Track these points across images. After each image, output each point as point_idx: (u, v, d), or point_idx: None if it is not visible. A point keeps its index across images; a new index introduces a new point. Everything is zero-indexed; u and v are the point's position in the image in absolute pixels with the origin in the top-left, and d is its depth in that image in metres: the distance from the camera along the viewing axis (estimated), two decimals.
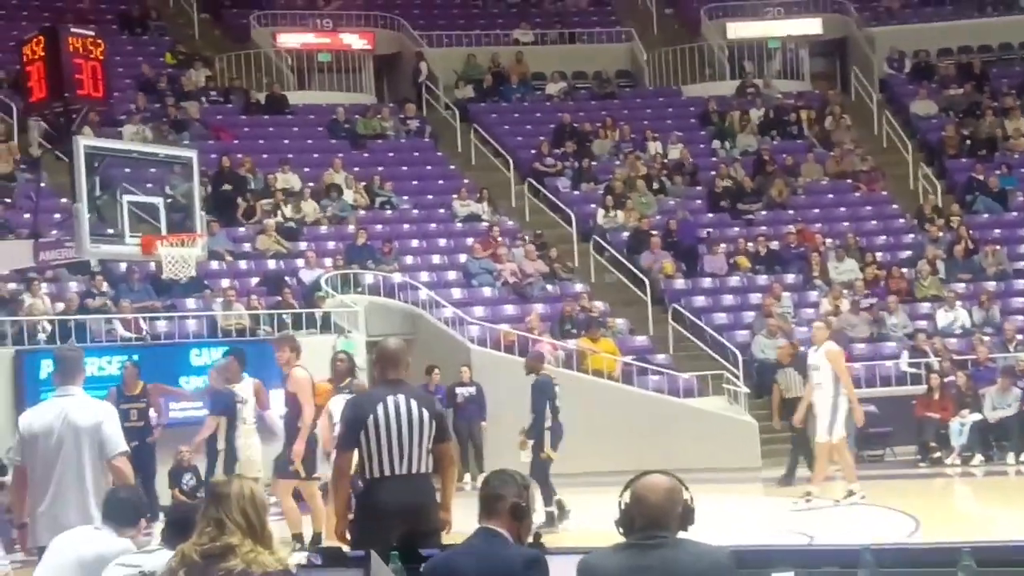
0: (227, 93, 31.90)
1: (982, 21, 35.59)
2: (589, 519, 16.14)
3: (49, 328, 21.94)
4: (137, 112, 28.72)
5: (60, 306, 22.69)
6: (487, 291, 26.71)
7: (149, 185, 15.99)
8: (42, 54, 14.37)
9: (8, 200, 24.73)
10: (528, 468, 15.82)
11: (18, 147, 26.52)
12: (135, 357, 20.48)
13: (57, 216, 22.54)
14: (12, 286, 22.82)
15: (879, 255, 28.38)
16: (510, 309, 26.16)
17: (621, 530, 5.73)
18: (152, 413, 19.38)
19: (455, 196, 29.22)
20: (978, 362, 24.71)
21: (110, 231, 14.82)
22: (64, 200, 22.31)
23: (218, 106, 31.36)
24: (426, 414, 8.85)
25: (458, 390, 23.08)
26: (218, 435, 16.04)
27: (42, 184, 24.64)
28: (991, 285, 27.29)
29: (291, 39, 33.51)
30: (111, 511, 7.59)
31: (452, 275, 27.09)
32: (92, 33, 14.67)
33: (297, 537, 15.00)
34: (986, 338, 25.33)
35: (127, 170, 15.73)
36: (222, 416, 16.07)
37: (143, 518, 7.71)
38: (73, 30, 14.76)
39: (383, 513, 8.68)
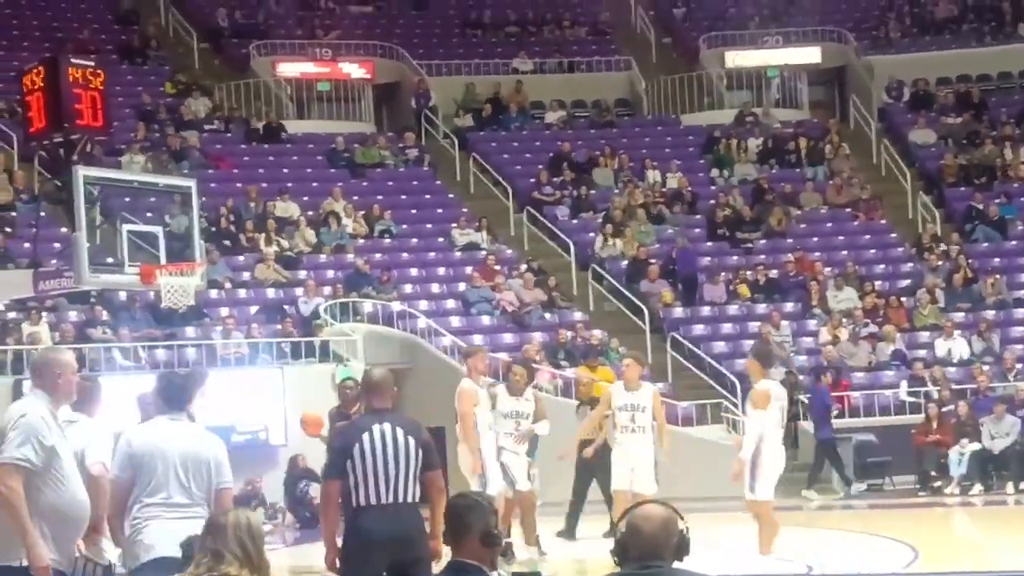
0: (227, 122, 31.96)
1: (980, 50, 35.68)
2: (591, 548, 16.15)
3: None
4: (137, 141, 28.77)
5: (59, 335, 22.70)
6: (486, 320, 26.72)
7: (149, 214, 16.07)
8: (42, 84, 14.44)
9: (8, 229, 24.76)
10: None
11: (18, 177, 26.55)
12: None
13: (57, 245, 22.57)
14: (12, 315, 22.84)
15: (878, 284, 28.39)
16: (509, 338, 26.15)
17: (616, 560, 5.73)
18: None
19: (454, 225, 29.26)
20: (977, 391, 24.70)
21: (110, 260, 14.87)
22: (64, 230, 22.36)
23: (218, 135, 31.42)
24: (412, 442, 8.85)
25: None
26: None
27: (42, 213, 24.71)
28: (990, 314, 27.30)
29: (290, 68, 33.58)
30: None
31: (451, 304, 27.10)
32: (92, 63, 14.75)
33: None
34: (985, 367, 25.32)
35: (127, 199, 15.82)
36: None
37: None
38: (73, 60, 14.84)
39: (371, 543, 8.68)
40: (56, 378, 7.97)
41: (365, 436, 8.82)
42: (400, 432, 8.85)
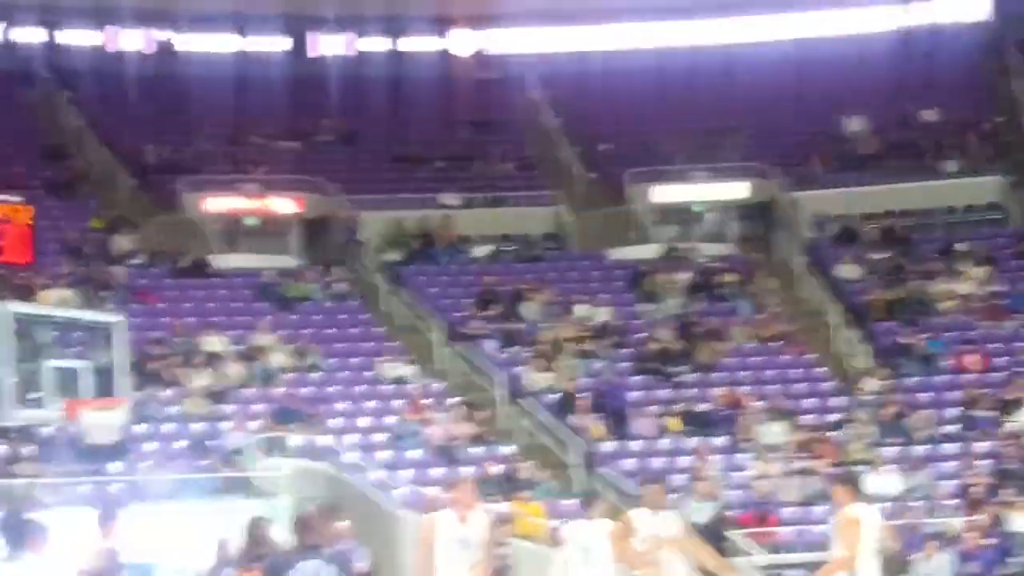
0: (153, 257, 31.79)
1: (903, 186, 36.16)
2: None
3: None
4: (63, 276, 28.51)
5: None
6: (415, 454, 26.49)
7: (73, 350, 15.87)
8: None
9: None
10: None
11: None
12: None
13: None
14: None
15: (808, 418, 28.43)
16: (438, 472, 25.92)
17: None
18: None
19: (382, 359, 29.13)
20: (909, 527, 24.64)
21: (33, 396, 14.68)
22: None
23: (144, 271, 31.23)
24: None
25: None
26: None
27: None
28: (920, 449, 27.38)
29: (219, 203, 33.55)
30: None
31: (379, 437, 26.87)
32: (19, 199, 14.66)
33: None
34: (916, 503, 25.29)
35: (52, 335, 15.63)
36: None
37: None
38: (0, 196, 14.75)
39: None
40: None
41: (291, 573, 8.79)
42: (330, 569, 8.83)
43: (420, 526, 13.62)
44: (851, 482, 13.86)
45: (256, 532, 14.26)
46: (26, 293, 24.66)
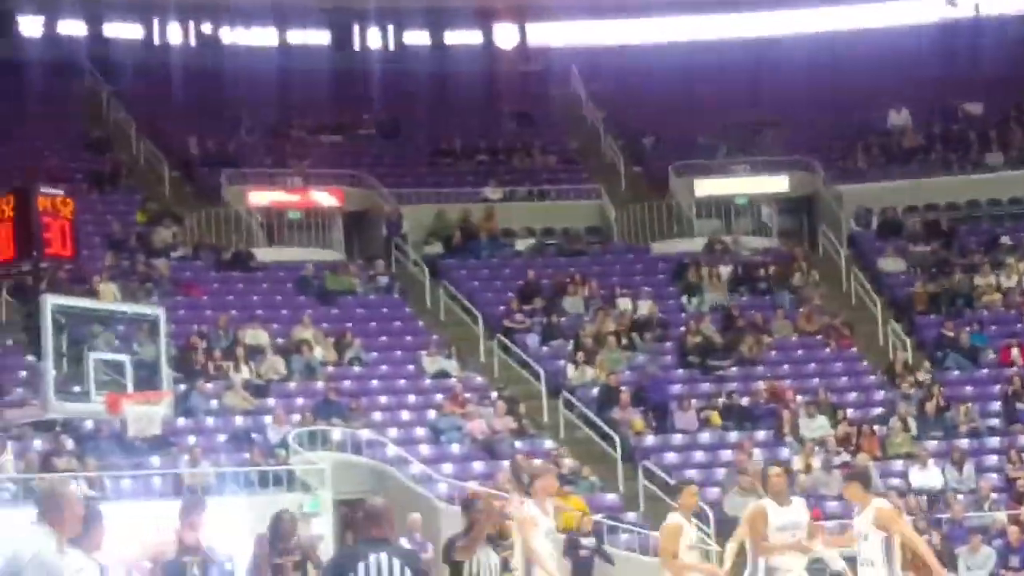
0: (196, 250, 31.91)
1: (948, 179, 36.00)
2: None
3: (13, 487, 21.67)
4: (106, 270, 28.65)
5: (24, 464, 22.42)
6: (456, 448, 26.51)
7: (116, 343, 15.95)
8: (11, 214, 14.40)
9: None
10: None
11: None
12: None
13: (23, 374, 22.43)
14: None
15: (850, 412, 28.32)
16: (479, 466, 25.94)
17: None
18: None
19: (424, 352, 29.15)
20: (952, 521, 24.53)
21: (76, 389, 14.77)
22: (30, 358, 22.22)
23: (187, 263, 31.35)
24: (408, 573, 8.76)
25: (583, 541, 22.72)
26: None
27: (8, 342, 24.55)
28: (964, 443, 27.23)
29: (261, 197, 33.65)
30: None
31: (420, 432, 26.91)
32: (62, 192, 14.73)
33: None
34: (960, 496, 25.17)
35: (94, 328, 15.71)
36: None
37: None
38: (43, 190, 14.82)
39: None
40: (62, 512, 7.79)
41: (360, 565, 8.74)
42: (396, 563, 8.76)
43: (521, 519, 13.27)
44: (862, 478, 13.51)
45: (282, 525, 14.28)
46: (69, 286, 24.81)
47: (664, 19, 41.87)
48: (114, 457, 23.33)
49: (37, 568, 7.47)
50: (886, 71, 38.79)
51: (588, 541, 22.83)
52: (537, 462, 24.60)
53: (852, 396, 29.61)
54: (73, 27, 39.43)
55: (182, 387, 24.69)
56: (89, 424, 23.48)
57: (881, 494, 14.40)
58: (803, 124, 38.49)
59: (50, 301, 14.53)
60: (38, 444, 23.39)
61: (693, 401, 28.26)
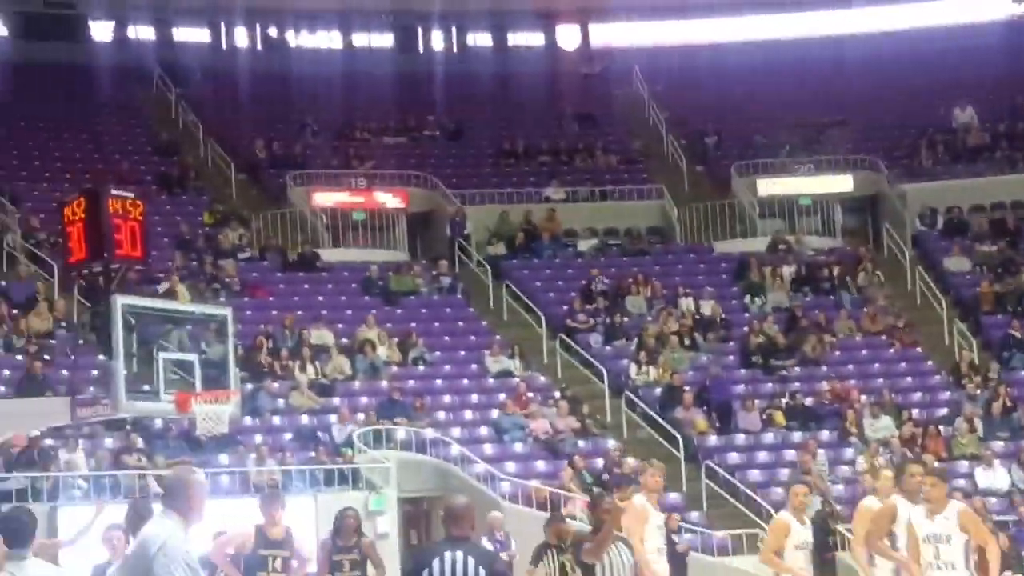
0: (263, 251, 32.23)
1: (1014, 177, 35.76)
2: None
3: (85, 485, 22.02)
4: (174, 270, 29.01)
5: (95, 462, 22.78)
6: (519, 447, 26.65)
7: (185, 342, 16.17)
8: (83, 215, 14.66)
9: (47, 357, 24.95)
10: None
11: (58, 305, 26.78)
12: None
13: (94, 373, 22.77)
14: (49, 442, 22.93)
15: (915, 412, 28.22)
16: (542, 465, 26.07)
17: None
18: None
19: (487, 352, 29.31)
20: (1019, 522, 24.41)
21: (146, 388, 14.98)
22: (101, 357, 22.56)
23: (254, 264, 31.67)
24: (483, 573, 8.90)
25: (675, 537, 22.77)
26: None
27: (80, 341, 24.94)
28: None
29: (326, 198, 33.92)
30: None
31: (484, 431, 27.06)
32: (132, 194, 14.96)
33: None
34: None
35: (163, 328, 15.94)
36: None
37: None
38: (114, 192, 15.06)
39: None
40: (189, 500, 7.93)
41: (436, 561, 8.90)
42: (471, 561, 8.91)
43: (634, 513, 13.10)
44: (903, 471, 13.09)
45: (344, 523, 14.44)
46: (139, 287, 25.15)
47: (726, 19, 41.86)
48: (182, 455, 23.63)
49: (167, 557, 7.61)
50: (951, 69, 38.65)
51: (678, 538, 22.87)
52: (632, 462, 24.71)
53: (917, 396, 29.51)
54: (143, 32, 39.96)
55: (249, 386, 24.96)
56: (158, 423, 23.80)
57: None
58: (867, 123, 38.39)
59: (121, 301, 14.74)
60: (109, 442, 23.76)
61: (756, 401, 28.25)
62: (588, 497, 23.72)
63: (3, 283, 28.04)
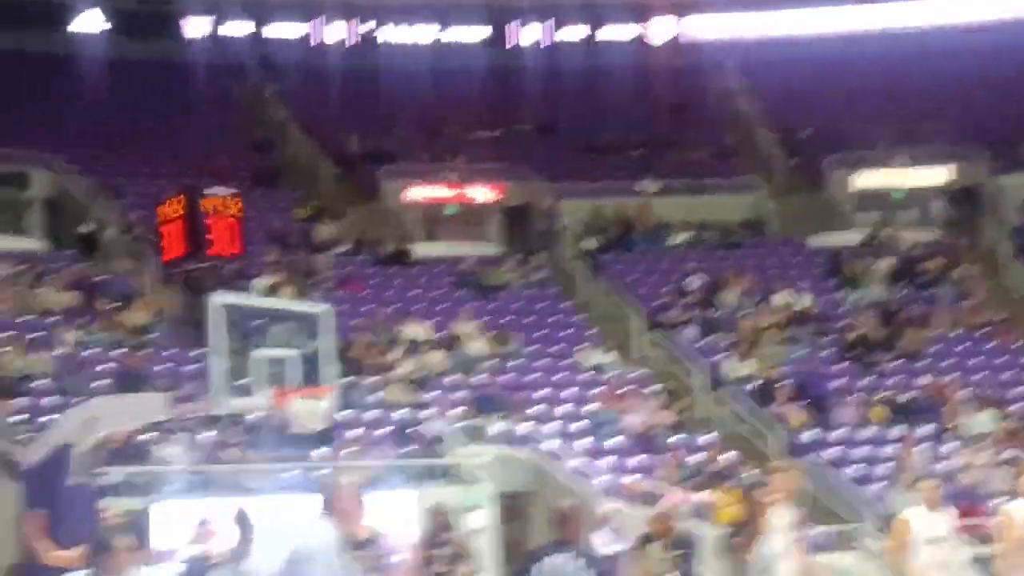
0: (357, 246, 32.35)
1: None
2: None
3: (181, 479, 22.16)
4: (270, 265, 29.17)
5: (190, 457, 22.93)
6: (614, 441, 26.55)
7: (282, 338, 16.24)
8: (181, 212, 14.77)
9: (145, 352, 25.18)
10: None
11: (156, 300, 27.04)
12: None
13: (192, 368, 22.96)
14: (147, 436, 23.12)
15: (1016, 407, 27.80)
16: (637, 459, 25.95)
17: None
18: None
19: (581, 346, 29.23)
20: None
21: (242, 384, 15.05)
22: (199, 352, 22.71)
23: (347, 259, 31.78)
24: (593, 574, 8.94)
25: None
26: None
27: (179, 337, 25.15)
28: None
29: (419, 193, 34.00)
30: None
31: (578, 425, 26.99)
32: (230, 191, 15.05)
33: None
34: None
35: (260, 324, 16.02)
36: None
37: None
38: (211, 188, 15.16)
39: None
40: (345, 506, 8.16)
41: (542, 564, 8.97)
42: (580, 563, 8.97)
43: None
44: None
45: (438, 518, 14.45)
46: (237, 283, 25.32)
47: (820, 9, 41.46)
48: (278, 450, 23.74)
49: (322, 561, 7.76)
50: None
51: None
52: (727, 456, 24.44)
53: (1017, 391, 29.04)
54: (238, 28, 40.27)
55: (343, 382, 25.03)
56: (254, 418, 23.92)
57: None
58: (966, 114, 37.84)
59: (217, 298, 14.83)
60: (205, 437, 23.92)
61: (854, 396, 27.96)
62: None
63: (103, 278, 28.35)
